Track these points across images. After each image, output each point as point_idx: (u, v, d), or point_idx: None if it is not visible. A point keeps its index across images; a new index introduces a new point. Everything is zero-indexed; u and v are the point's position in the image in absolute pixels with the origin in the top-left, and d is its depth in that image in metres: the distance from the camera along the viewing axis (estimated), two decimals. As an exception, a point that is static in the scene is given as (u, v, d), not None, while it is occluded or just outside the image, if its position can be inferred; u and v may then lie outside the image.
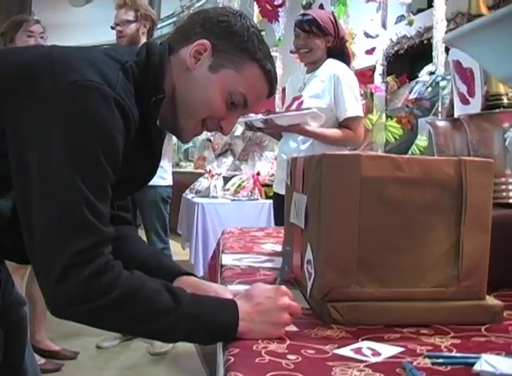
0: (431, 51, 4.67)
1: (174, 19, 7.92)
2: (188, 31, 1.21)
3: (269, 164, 4.43)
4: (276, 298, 1.02)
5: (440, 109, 3.66)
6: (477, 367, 0.81)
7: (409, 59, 5.17)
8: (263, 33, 5.56)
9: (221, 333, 0.99)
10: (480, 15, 1.50)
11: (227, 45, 1.18)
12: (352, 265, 1.08)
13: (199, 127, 1.22)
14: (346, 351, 0.92)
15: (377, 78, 5.25)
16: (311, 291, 1.13)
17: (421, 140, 4.24)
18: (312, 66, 2.85)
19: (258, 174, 4.29)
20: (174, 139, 3.03)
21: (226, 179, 4.44)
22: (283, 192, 2.82)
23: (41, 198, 0.96)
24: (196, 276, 1.30)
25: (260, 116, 2.71)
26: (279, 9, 5.11)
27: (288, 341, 0.96)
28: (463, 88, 1.49)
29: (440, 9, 3.43)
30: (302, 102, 2.76)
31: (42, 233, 0.95)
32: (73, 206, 0.95)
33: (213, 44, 1.17)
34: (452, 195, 1.10)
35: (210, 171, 4.47)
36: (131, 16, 3.29)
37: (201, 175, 4.55)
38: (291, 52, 4.03)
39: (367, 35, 4.46)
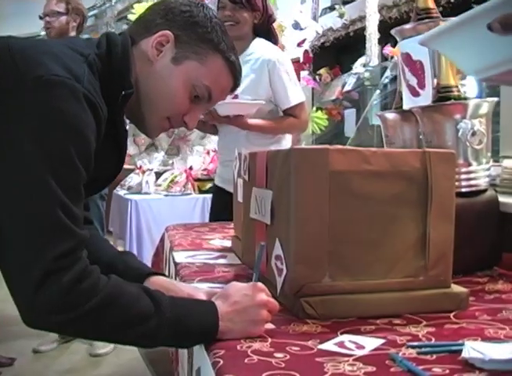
0: (358, 43, 4.76)
1: (96, 11, 7.73)
2: (149, 22, 1.17)
3: (201, 159, 4.40)
4: (254, 295, 1.01)
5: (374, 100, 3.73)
6: (465, 354, 0.83)
7: (335, 52, 5.24)
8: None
9: (202, 335, 0.97)
10: (427, 9, 1.54)
11: (190, 36, 1.15)
12: (323, 259, 1.08)
13: (165, 123, 1.19)
14: (330, 345, 0.92)
15: (302, 72, 5.29)
16: (282, 286, 1.12)
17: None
18: (240, 43, 2.52)
19: (191, 168, 4.24)
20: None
21: (158, 175, 4.38)
22: (220, 184, 2.80)
23: (12, 202, 0.91)
24: (165, 275, 1.27)
25: None
26: (206, 1, 5.06)
27: (270, 339, 0.95)
28: (413, 81, 1.52)
29: (372, 1, 3.48)
30: (237, 96, 2.62)
31: (16, 239, 0.90)
32: (48, 210, 0.90)
33: (176, 35, 1.14)
34: (418, 187, 1.12)
35: (140, 166, 4.39)
36: (61, 8, 3.19)
37: (131, 171, 4.46)
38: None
39: (296, 27, 4.48)
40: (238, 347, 0.91)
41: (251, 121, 2.56)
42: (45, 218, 0.90)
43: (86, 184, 1.01)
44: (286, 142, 2.77)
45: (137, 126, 1.21)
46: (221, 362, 0.84)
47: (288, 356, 0.86)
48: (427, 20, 1.51)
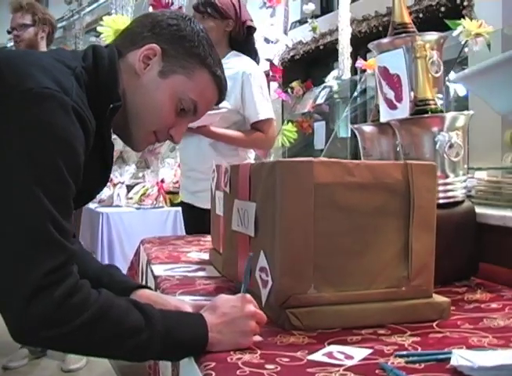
0: (328, 56, 4.82)
1: (64, 23, 7.68)
2: (136, 35, 1.17)
3: (172, 172, 4.38)
4: (242, 307, 1.01)
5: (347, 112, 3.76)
6: (453, 362, 0.84)
7: (305, 65, 5.29)
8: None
9: (192, 347, 0.96)
10: (404, 23, 1.57)
11: (177, 50, 1.15)
12: (308, 270, 1.09)
13: (151, 136, 1.19)
14: (319, 356, 0.93)
15: (272, 84, 5.33)
16: (267, 298, 1.12)
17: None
18: None
19: (163, 181, 4.23)
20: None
21: (129, 187, 4.35)
22: (187, 200, 2.78)
23: (1, 216, 0.90)
24: (150, 288, 1.26)
25: None
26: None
27: (259, 351, 0.95)
28: (391, 94, 1.54)
29: (345, 15, 3.53)
30: None
31: (5, 253, 0.89)
32: (38, 223, 0.89)
33: (163, 49, 1.14)
34: (400, 198, 1.14)
35: (111, 179, 4.36)
36: (28, 19, 3.16)
37: (102, 183, 4.43)
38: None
39: (267, 41, 4.52)
40: (228, 359, 0.91)
41: (216, 130, 2.51)
42: (35, 233, 0.89)
43: (75, 196, 1.01)
44: (251, 154, 2.75)
45: (122, 139, 1.20)
46: (213, 374, 0.84)
47: (279, 368, 0.87)
48: (403, 35, 1.54)
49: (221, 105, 2.46)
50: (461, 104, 3.53)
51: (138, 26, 1.19)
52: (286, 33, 4.56)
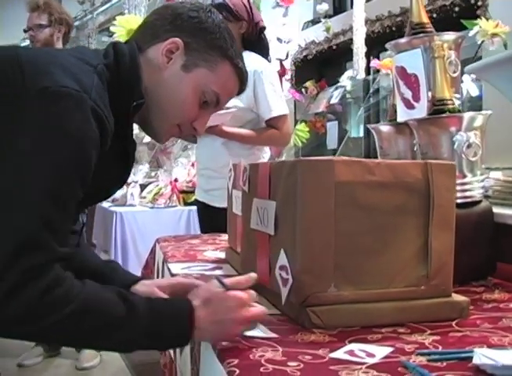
0: (341, 56, 4.82)
1: (77, 23, 7.71)
2: (156, 28, 1.17)
3: (186, 171, 4.40)
4: (235, 310, 0.99)
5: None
6: (476, 361, 0.84)
7: (317, 65, 5.29)
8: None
9: (176, 340, 1.00)
10: (421, 23, 1.57)
11: (199, 43, 1.15)
12: (329, 269, 1.10)
13: (175, 129, 1.19)
14: (340, 354, 0.93)
15: (285, 83, 5.33)
16: (287, 296, 1.13)
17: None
18: None
19: (176, 180, 4.25)
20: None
21: (142, 187, 4.37)
22: (201, 199, 2.79)
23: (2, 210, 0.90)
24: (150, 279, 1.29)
25: None
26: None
27: (280, 348, 0.96)
28: (408, 94, 1.55)
29: (359, 15, 3.53)
30: None
31: None
32: (29, 221, 0.89)
33: (185, 42, 1.14)
34: (420, 197, 1.14)
35: (124, 179, 4.37)
36: (44, 20, 3.17)
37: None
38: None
39: (280, 40, 4.53)
40: (250, 356, 0.92)
41: (229, 129, 2.54)
42: (24, 230, 0.89)
43: (89, 194, 1.02)
44: (266, 154, 2.76)
45: (146, 131, 1.21)
46: (238, 371, 0.84)
47: (302, 365, 0.87)
48: (421, 35, 1.54)
49: (232, 104, 2.49)
50: (475, 104, 3.52)
51: (158, 19, 1.18)
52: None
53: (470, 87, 3.47)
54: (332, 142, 4.95)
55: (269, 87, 2.56)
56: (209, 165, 2.65)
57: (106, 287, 0.98)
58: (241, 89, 1.23)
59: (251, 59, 2.58)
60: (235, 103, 2.51)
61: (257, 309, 1.04)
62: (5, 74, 0.97)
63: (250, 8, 2.62)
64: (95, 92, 1.00)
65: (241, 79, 1.21)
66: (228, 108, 2.46)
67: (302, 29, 5.28)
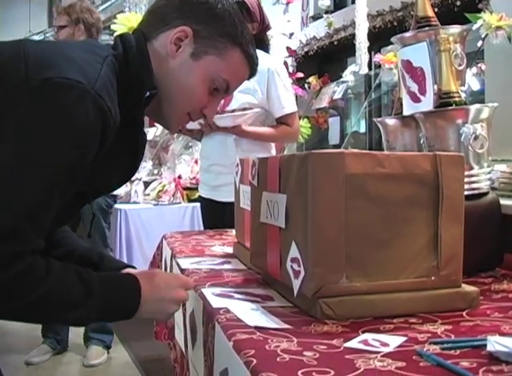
0: (342, 52, 4.83)
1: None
2: (164, 15, 1.15)
3: (189, 168, 4.41)
4: (175, 289, 1.14)
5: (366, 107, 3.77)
6: (490, 348, 0.85)
7: (318, 60, 5.30)
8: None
9: (122, 315, 1.11)
10: (427, 17, 1.58)
11: (209, 30, 1.14)
12: (341, 260, 1.11)
13: (185, 117, 1.20)
14: (355, 344, 0.94)
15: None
16: (299, 288, 1.14)
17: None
18: None
19: (180, 177, 4.26)
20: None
21: (146, 184, 4.38)
22: (206, 195, 2.81)
23: None
24: (134, 267, 1.35)
25: None
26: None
27: (295, 339, 0.97)
28: (414, 87, 1.56)
29: (362, 10, 3.54)
30: (232, 96, 2.58)
31: None
32: (10, 210, 0.91)
33: (194, 30, 1.13)
34: (429, 189, 1.16)
35: (128, 176, 4.38)
36: (63, 21, 3.24)
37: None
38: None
39: (290, 37, 4.55)
40: (266, 347, 0.93)
41: (248, 129, 2.61)
42: (3, 218, 0.91)
43: (95, 186, 1.04)
44: (273, 149, 2.81)
45: (157, 121, 1.22)
46: (255, 361, 0.85)
47: (318, 355, 0.89)
48: (427, 28, 1.55)
49: (246, 101, 2.54)
50: (477, 98, 3.53)
51: (167, 5, 1.17)
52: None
53: (471, 81, 3.48)
54: (334, 137, 4.96)
55: (282, 85, 2.64)
56: (219, 161, 2.67)
57: (67, 269, 1.04)
58: (251, 75, 1.23)
59: (263, 58, 2.62)
60: (249, 99, 2.56)
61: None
62: (10, 66, 0.98)
63: (262, 10, 2.70)
64: (100, 83, 1.00)
65: (251, 65, 1.20)
66: (247, 109, 2.52)
67: (303, 25, 5.30)
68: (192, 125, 2.61)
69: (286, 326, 1.04)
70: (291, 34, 4.67)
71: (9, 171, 0.92)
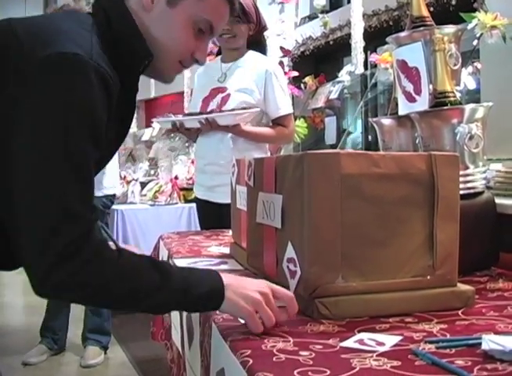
0: (338, 51, 4.83)
1: None
2: None
3: (186, 168, 4.41)
4: (263, 288, 1.06)
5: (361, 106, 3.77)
6: (484, 347, 0.86)
7: (314, 60, 5.31)
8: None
9: (209, 303, 1.03)
10: (422, 17, 1.58)
11: None
12: (337, 260, 1.11)
13: (177, 66, 1.19)
14: (351, 343, 0.95)
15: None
16: (296, 288, 1.15)
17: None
18: (233, 53, 2.72)
19: (176, 178, 4.26)
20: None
21: (143, 185, 4.39)
22: (201, 196, 2.82)
23: (24, 185, 0.93)
24: None
25: (195, 117, 2.61)
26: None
27: (291, 339, 0.97)
28: (410, 87, 1.56)
29: (357, 10, 3.54)
30: (229, 95, 2.64)
31: (27, 224, 0.93)
32: (59, 193, 0.93)
33: None
34: (424, 188, 1.16)
35: (125, 177, 4.39)
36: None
37: (115, 181, 4.47)
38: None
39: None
40: (263, 347, 0.93)
41: (247, 128, 2.62)
42: (57, 202, 0.92)
43: (102, 154, 1.05)
44: (267, 149, 2.82)
45: (151, 76, 1.21)
46: (251, 361, 0.86)
47: (313, 354, 0.89)
48: (422, 28, 1.56)
49: (243, 100, 2.56)
50: (473, 97, 3.53)
51: None
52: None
53: (467, 80, 3.48)
54: (330, 137, 4.96)
55: (279, 86, 2.67)
56: (215, 161, 2.67)
57: (138, 255, 1.04)
58: (232, 10, 1.20)
59: (261, 59, 2.71)
60: (246, 99, 2.57)
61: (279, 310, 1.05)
62: (2, 47, 0.99)
63: (258, 11, 2.72)
64: (96, 52, 1.00)
65: (231, 1, 1.19)
66: (247, 108, 2.54)
67: (299, 25, 5.30)
68: (191, 124, 2.61)
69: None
70: (285, 35, 4.68)
71: (38, 160, 0.93)
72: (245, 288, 1.04)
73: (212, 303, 1.03)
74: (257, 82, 2.62)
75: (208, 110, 2.66)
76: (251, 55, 2.72)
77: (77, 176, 0.95)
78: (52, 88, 0.94)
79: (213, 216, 2.70)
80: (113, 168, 3.39)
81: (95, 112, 0.98)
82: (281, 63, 4.79)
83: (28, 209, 0.94)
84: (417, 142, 1.56)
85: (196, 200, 2.92)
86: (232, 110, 2.57)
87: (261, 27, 2.73)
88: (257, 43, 2.77)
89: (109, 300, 1.00)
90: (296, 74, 4.62)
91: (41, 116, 0.94)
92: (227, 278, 1.05)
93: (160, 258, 2.17)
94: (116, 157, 3.51)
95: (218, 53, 2.87)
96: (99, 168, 1.11)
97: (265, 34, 2.97)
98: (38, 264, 0.93)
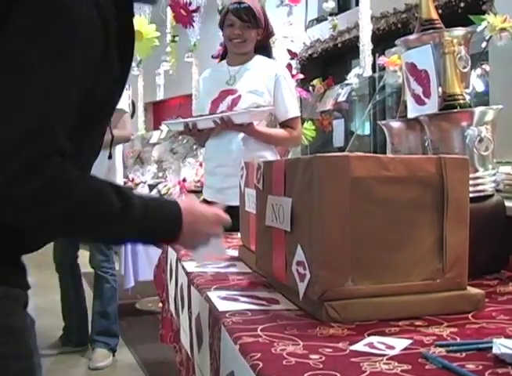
0: (346, 54, 4.83)
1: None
2: None
3: (194, 171, 4.42)
4: (210, 225, 1.18)
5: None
6: (496, 351, 0.86)
7: (322, 63, 5.31)
8: (176, 39, 5.48)
9: (163, 237, 1.11)
10: (431, 19, 1.58)
11: None
12: (346, 263, 1.11)
13: None
14: (360, 346, 0.95)
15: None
16: (305, 291, 1.14)
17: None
18: (241, 57, 2.74)
19: (184, 180, 4.26)
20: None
21: (151, 187, 4.39)
22: (211, 199, 2.83)
23: (8, 94, 0.90)
24: None
25: (209, 116, 2.61)
26: (194, 14, 5.10)
27: (301, 342, 0.97)
28: (419, 90, 1.56)
29: (366, 12, 3.54)
30: (240, 97, 2.66)
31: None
32: (34, 109, 0.90)
33: None
34: (434, 191, 1.16)
35: (133, 179, 4.40)
36: None
37: (123, 184, 4.47)
38: (213, 56, 4.03)
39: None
40: (272, 350, 0.93)
41: (260, 129, 2.65)
42: (27, 118, 0.90)
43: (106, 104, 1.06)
44: (276, 151, 2.84)
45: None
46: (261, 364, 0.86)
47: (324, 358, 0.89)
48: (430, 31, 1.56)
49: (254, 101, 2.59)
50: (481, 99, 3.52)
51: None
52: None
53: (475, 82, 3.47)
54: (338, 140, 4.96)
55: (288, 89, 2.72)
56: (226, 162, 2.68)
57: (103, 182, 1.02)
58: None
59: (269, 63, 2.77)
60: (257, 100, 2.61)
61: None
62: None
63: (266, 17, 2.76)
64: None
65: None
66: (258, 106, 2.56)
67: (307, 27, 5.30)
68: (205, 124, 2.61)
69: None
70: (293, 37, 4.68)
71: (19, 73, 0.91)
72: (197, 232, 1.15)
73: (163, 236, 1.11)
74: (268, 85, 2.66)
75: (218, 111, 2.67)
76: (259, 59, 2.76)
77: (59, 97, 0.93)
78: (44, 13, 0.93)
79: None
80: (117, 169, 3.41)
81: (92, 34, 0.96)
82: (289, 66, 4.80)
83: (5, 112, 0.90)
84: (426, 145, 1.56)
85: (205, 202, 2.92)
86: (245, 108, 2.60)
87: (268, 32, 2.78)
88: (264, 48, 2.81)
89: (71, 224, 0.97)
90: (301, 76, 4.61)
91: (31, 36, 0.92)
92: (184, 214, 1.11)
93: (169, 261, 2.17)
94: (120, 159, 3.52)
95: (222, 58, 2.89)
96: (112, 99, 1.12)
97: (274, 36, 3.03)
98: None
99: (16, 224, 0.96)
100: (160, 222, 1.08)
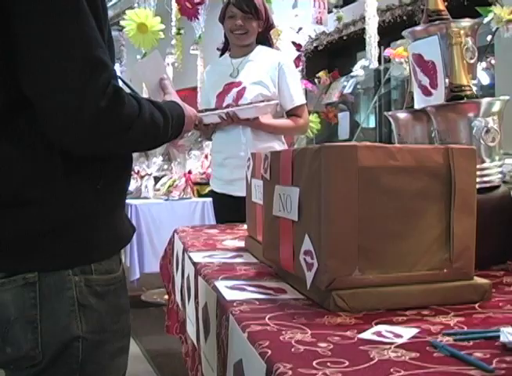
0: (351, 46, 4.82)
1: None
2: None
3: (199, 163, 4.43)
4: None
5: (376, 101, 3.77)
6: (503, 339, 0.86)
7: (328, 55, 5.30)
8: (181, 31, 5.48)
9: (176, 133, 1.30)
10: (438, 10, 1.58)
11: None
12: (353, 253, 1.11)
13: None
14: (368, 335, 0.95)
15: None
16: (313, 281, 1.15)
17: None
18: (243, 49, 2.78)
19: (190, 172, 4.27)
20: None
21: (156, 179, 4.40)
22: (220, 190, 2.85)
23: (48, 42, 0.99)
24: None
25: (217, 111, 2.64)
26: (199, 7, 5.10)
27: (309, 331, 0.98)
28: (426, 81, 1.56)
29: (372, 4, 3.54)
30: (245, 88, 2.69)
31: (57, 78, 0.99)
32: (82, 42, 1.00)
33: None
34: (441, 182, 1.16)
35: (138, 171, 4.41)
36: None
37: (128, 176, 4.49)
38: (218, 49, 4.03)
39: (298, 31, 4.55)
40: (281, 338, 0.94)
41: (266, 121, 2.68)
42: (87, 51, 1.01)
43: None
44: (284, 140, 2.86)
45: None
46: (270, 352, 0.86)
47: (332, 346, 0.89)
48: (437, 22, 1.55)
49: (259, 92, 2.61)
50: (487, 92, 3.52)
51: None
52: (321, 23, 4.47)
53: (481, 75, 3.47)
54: (343, 132, 4.96)
55: (292, 78, 2.76)
56: (234, 154, 2.70)
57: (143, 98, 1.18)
58: None
59: (271, 52, 2.80)
60: (262, 91, 2.63)
61: None
62: None
63: (266, 9, 2.81)
64: None
65: None
66: (265, 101, 2.59)
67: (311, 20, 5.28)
68: (210, 119, 2.63)
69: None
70: (300, 29, 4.68)
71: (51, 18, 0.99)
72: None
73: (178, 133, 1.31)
74: (272, 75, 2.69)
75: (224, 105, 2.69)
76: (261, 49, 2.78)
77: (89, 26, 1.02)
78: None
79: (230, 209, 2.72)
80: None
81: None
82: (298, 58, 4.80)
83: (54, 64, 0.99)
84: (433, 135, 1.56)
85: (213, 193, 2.95)
86: (251, 103, 2.61)
87: (268, 24, 2.80)
88: (265, 40, 2.85)
89: (146, 136, 1.14)
90: (301, 66, 4.62)
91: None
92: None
93: (175, 252, 2.18)
94: None
95: (223, 52, 2.91)
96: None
97: (279, 28, 3.05)
98: (81, 113, 0.99)
99: (114, 147, 1.10)
100: (180, 127, 1.30)
